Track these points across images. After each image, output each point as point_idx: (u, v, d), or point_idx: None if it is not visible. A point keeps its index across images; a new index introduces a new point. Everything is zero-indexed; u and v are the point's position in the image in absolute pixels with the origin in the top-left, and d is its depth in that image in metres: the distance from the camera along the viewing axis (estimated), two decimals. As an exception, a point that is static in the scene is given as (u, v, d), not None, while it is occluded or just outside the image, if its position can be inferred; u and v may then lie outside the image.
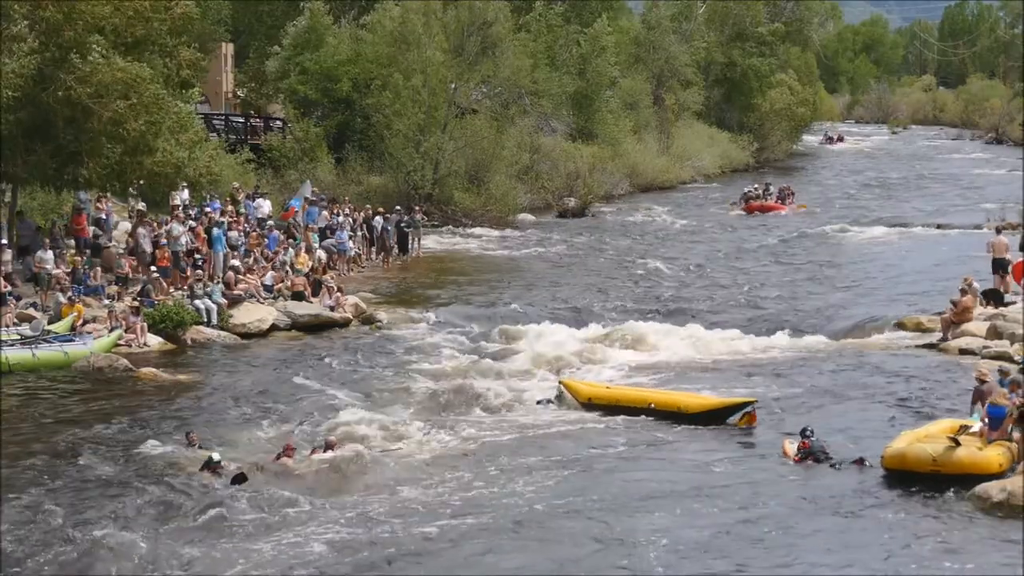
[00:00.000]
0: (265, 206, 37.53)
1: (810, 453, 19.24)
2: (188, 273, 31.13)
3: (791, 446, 19.75)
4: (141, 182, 30.95)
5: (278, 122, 52.68)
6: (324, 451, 19.21)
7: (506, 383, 24.24)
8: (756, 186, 58.10)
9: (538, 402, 23.06)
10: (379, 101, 48.05)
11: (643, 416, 21.88)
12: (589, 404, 22.64)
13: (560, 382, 23.54)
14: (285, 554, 15.34)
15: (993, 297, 29.06)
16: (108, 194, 32.61)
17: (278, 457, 19.00)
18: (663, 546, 15.50)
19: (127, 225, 35.51)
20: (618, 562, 15.12)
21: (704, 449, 20.19)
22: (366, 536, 15.95)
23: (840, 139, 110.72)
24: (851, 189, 67.87)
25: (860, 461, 18.82)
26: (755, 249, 43.95)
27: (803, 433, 19.74)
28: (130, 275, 30.50)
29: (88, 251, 31.05)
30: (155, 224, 32.62)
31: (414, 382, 24.32)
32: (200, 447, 19.45)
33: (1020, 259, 30.99)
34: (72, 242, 31.90)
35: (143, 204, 34.25)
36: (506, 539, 15.94)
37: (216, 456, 18.52)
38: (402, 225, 40.15)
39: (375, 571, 15.01)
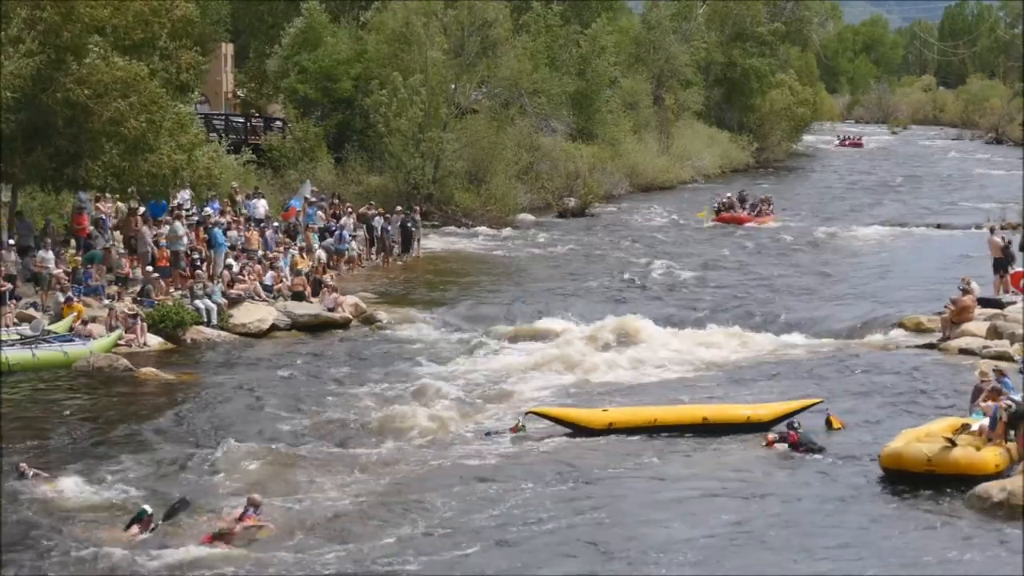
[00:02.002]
0: (261, 206, 37.53)
1: (800, 444, 19.39)
2: (188, 273, 31.13)
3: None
4: (143, 179, 30.92)
5: (278, 122, 52.66)
6: (252, 511, 16.21)
7: (503, 388, 24.08)
8: (730, 194, 54.63)
9: (487, 434, 20.94)
10: (378, 99, 48.05)
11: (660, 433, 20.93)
12: (610, 430, 20.70)
13: (531, 411, 21.30)
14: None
15: (990, 305, 28.98)
16: (107, 194, 32.56)
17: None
18: (661, 551, 15.52)
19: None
20: (619, 571, 15.09)
21: (701, 452, 20.18)
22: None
23: (856, 142, 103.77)
24: (850, 189, 67.83)
25: (858, 459, 18.91)
26: (753, 251, 43.91)
27: (789, 426, 19.91)
28: (130, 275, 30.51)
29: (87, 251, 31.02)
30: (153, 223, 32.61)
31: (411, 386, 24.09)
32: (36, 474, 17.75)
33: (1019, 269, 31.06)
34: (71, 242, 31.88)
35: (141, 207, 34.14)
36: (500, 560, 15.45)
37: (148, 508, 15.89)
38: (408, 224, 40.12)
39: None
